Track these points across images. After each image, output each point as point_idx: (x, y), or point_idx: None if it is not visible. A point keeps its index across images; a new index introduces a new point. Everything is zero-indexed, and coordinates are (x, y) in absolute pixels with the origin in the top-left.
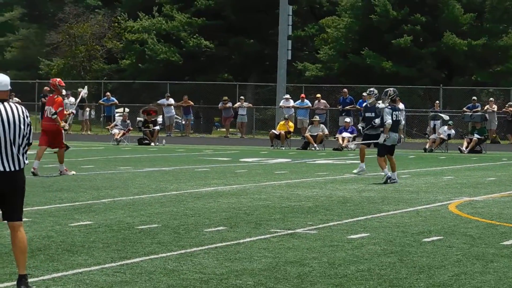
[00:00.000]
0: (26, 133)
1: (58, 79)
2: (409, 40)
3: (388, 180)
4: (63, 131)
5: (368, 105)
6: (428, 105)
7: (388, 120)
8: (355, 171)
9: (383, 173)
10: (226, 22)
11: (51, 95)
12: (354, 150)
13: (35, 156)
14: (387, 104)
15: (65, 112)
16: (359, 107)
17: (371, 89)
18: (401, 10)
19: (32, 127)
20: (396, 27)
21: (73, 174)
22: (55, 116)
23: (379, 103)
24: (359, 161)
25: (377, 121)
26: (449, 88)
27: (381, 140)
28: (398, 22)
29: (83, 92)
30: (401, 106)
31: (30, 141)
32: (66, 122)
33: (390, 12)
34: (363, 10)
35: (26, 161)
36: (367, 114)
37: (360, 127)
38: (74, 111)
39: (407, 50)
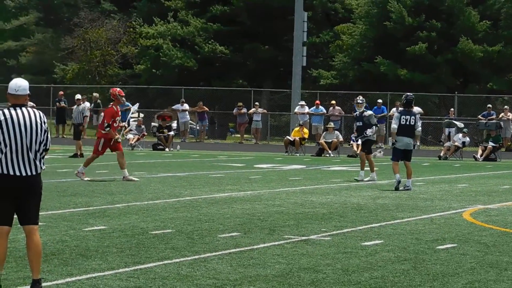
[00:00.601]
0: (43, 139)
1: (118, 89)
2: (424, 47)
3: (402, 187)
4: (102, 140)
5: (358, 114)
6: (443, 113)
7: (393, 125)
8: (357, 178)
9: (395, 179)
10: (242, 28)
11: (110, 104)
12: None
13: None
14: (400, 109)
15: (115, 124)
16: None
17: (362, 98)
18: (416, 18)
19: (49, 133)
20: (411, 34)
21: (87, 180)
22: (108, 129)
23: (365, 111)
24: (364, 169)
25: (369, 132)
26: (464, 96)
27: (389, 143)
28: (413, 29)
29: (134, 108)
30: (416, 110)
31: (48, 147)
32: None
33: (405, 19)
34: (378, 17)
35: (43, 166)
36: (357, 124)
37: (353, 137)
38: (126, 124)
39: (422, 57)
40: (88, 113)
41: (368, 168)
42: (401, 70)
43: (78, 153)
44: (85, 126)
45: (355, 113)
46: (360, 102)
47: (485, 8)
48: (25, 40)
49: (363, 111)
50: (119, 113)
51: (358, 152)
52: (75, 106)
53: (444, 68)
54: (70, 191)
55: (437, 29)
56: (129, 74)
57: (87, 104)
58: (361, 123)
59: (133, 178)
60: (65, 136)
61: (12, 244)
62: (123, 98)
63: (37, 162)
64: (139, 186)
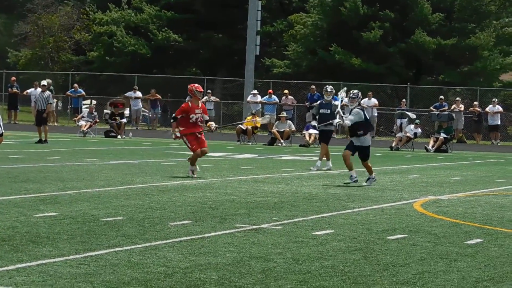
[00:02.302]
0: None
1: (196, 85)
2: (379, 35)
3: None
4: (185, 137)
5: (324, 102)
6: (396, 103)
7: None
8: (317, 168)
9: (372, 176)
10: (196, 16)
11: (187, 99)
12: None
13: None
14: (357, 104)
15: (190, 121)
16: None
17: (331, 87)
18: (371, 7)
19: (1, 119)
20: (365, 23)
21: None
22: (172, 121)
23: (335, 101)
24: (318, 159)
25: (335, 122)
26: (417, 87)
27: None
28: (367, 19)
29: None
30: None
31: (0, 132)
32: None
33: (360, 9)
34: (332, 6)
35: None
36: (322, 111)
37: (315, 124)
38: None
39: (376, 47)
40: (52, 101)
41: (325, 158)
42: (355, 59)
43: (43, 139)
44: (48, 112)
45: (321, 100)
46: (329, 91)
47: (439, 0)
48: None
49: (330, 101)
50: (196, 110)
51: (310, 142)
52: (39, 92)
53: (397, 59)
54: (21, 177)
55: (391, 19)
56: (82, 61)
57: (38, 90)
58: (328, 111)
59: (194, 175)
60: (17, 122)
61: None
62: (193, 92)
63: None
64: (91, 173)
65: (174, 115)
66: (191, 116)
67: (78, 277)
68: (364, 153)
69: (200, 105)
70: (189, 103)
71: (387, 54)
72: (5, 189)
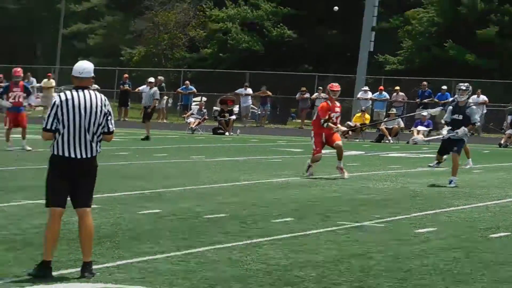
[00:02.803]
0: (102, 122)
1: (334, 84)
2: (494, 31)
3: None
4: (312, 133)
5: (458, 104)
6: (508, 99)
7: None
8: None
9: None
10: (310, 12)
11: (324, 100)
12: (417, 144)
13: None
14: (467, 97)
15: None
16: (437, 100)
17: (467, 84)
18: (489, 3)
19: (112, 117)
20: (482, 19)
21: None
22: (327, 124)
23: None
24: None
25: (461, 132)
26: None
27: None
28: (485, 14)
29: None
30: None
31: (111, 130)
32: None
33: (478, 5)
34: (450, 2)
35: (99, 149)
36: (454, 116)
37: (446, 132)
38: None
39: (492, 43)
40: (158, 96)
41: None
42: (469, 55)
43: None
44: (153, 108)
45: (455, 102)
46: (465, 89)
47: None
48: (95, 22)
49: (466, 102)
50: (336, 108)
51: (412, 140)
52: (147, 89)
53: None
54: (128, 174)
55: (510, 14)
56: (196, 58)
57: (150, 88)
58: (461, 116)
59: (345, 174)
60: (127, 119)
61: (66, 227)
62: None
63: (94, 145)
64: (196, 170)
65: (322, 119)
66: (331, 115)
67: (177, 274)
68: (460, 146)
69: (338, 104)
70: (328, 102)
71: (502, 50)
72: (111, 186)
